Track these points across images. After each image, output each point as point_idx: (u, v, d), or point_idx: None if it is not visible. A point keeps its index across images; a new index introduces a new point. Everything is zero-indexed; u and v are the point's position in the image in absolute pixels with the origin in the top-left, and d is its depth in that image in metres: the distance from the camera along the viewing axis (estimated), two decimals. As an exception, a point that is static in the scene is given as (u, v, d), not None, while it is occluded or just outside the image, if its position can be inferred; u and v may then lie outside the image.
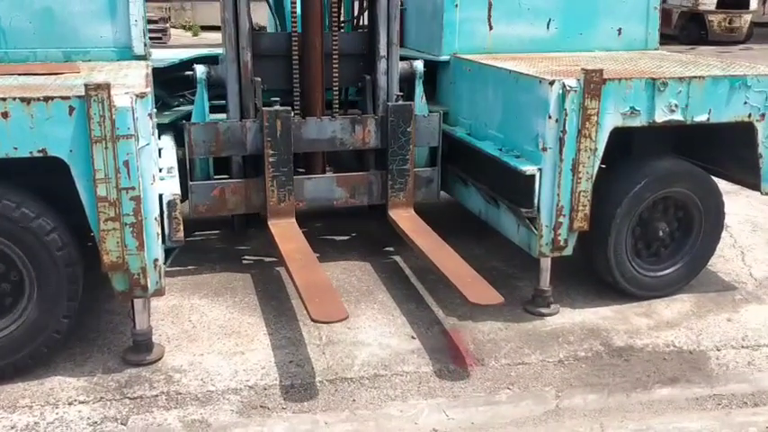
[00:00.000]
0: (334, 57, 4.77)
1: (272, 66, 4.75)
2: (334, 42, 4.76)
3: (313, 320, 3.53)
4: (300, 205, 4.74)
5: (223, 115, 4.72)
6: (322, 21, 4.81)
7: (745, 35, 19.54)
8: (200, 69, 4.63)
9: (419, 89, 5.05)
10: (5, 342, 3.56)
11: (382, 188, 4.87)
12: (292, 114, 4.56)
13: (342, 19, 5.33)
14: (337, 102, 4.86)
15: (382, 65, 4.80)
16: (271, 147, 4.48)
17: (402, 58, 4.97)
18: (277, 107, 4.49)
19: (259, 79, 4.63)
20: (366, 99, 4.94)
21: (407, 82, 5.05)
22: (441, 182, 5.04)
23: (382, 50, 4.78)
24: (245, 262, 5.07)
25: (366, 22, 5.25)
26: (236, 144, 4.52)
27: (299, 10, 4.71)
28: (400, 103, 4.78)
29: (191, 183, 4.50)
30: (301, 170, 4.96)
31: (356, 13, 5.50)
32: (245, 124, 4.52)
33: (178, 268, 4.84)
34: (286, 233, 4.48)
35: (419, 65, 5.05)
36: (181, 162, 4.29)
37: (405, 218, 4.80)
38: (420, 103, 5.03)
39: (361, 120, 4.77)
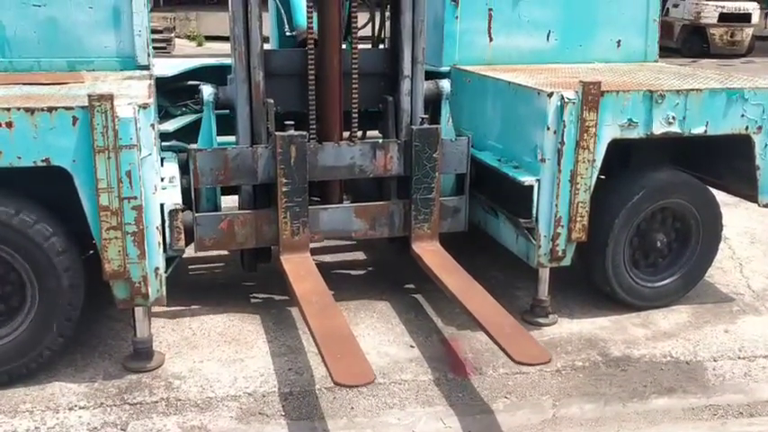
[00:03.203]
0: (354, 76, 4.39)
1: (285, 86, 4.41)
2: (354, 60, 4.37)
3: (335, 383, 3.18)
4: (316, 238, 4.42)
5: (231, 138, 4.42)
6: (340, 37, 4.47)
7: (747, 48, 19.60)
8: (207, 90, 4.30)
9: (445, 110, 4.73)
10: (8, 348, 3.60)
11: (405, 219, 4.50)
12: (308, 139, 4.22)
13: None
14: (356, 124, 4.47)
15: (406, 85, 4.44)
16: (284, 175, 4.13)
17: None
18: (291, 131, 4.14)
19: (272, 101, 4.29)
20: (387, 122, 4.55)
21: (432, 103, 4.72)
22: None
23: (406, 69, 4.42)
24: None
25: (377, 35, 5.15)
26: (246, 172, 4.17)
27: (315, 25, 4.37)
28: (425, 126, 4.41)
29: (196, 214, 4.18)
30: (316, 199, 4.56)
31: (377, 29, 5.21)
32: (256, 150, 4.17)
33: (179, 276, 4.86)
34: (300, 270, 4.14)
35: (446, 84, 4.72)
36: (185, 192, 4.04)
37: (430, 252, 4.43)
38: (446, 126, 4.69)
39: (383, 145, 4.41)
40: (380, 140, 4.49)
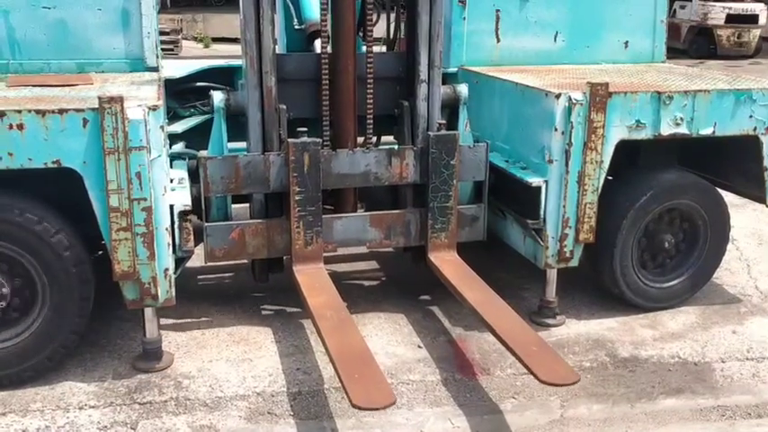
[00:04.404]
0: (369, 81, 4.25)
1: (298, 91, 4.30)
2: (369, 64, 4.23)
3: (354, 406, 3.05)
4: (329, 248, 4.29)
5: (242, 144, 4.31)
6: (355, 40, 4.32)
7: (754, 49, 19.53)
8: (217, 97, 4.19)
9: (463, 116, 4.59)
10: (19, 348, 3.63)
11: (421, 228, 4.35)
12: (321, 146, 4.10)
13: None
14: (371, 130, 4.33)
15: (422, 90, 4.31)
16: (297, 183, 4.01)
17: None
18: (304, 138, 4.01)
19: (284, 107, 4.18)
20: (403, 128, 4.42)
21: (449, 108, 4.61)
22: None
23: (423, 74, 4.29)
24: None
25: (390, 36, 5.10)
26: (258, 180, 4.04)
27: (329, 27, 4.25)
28: (443, 132, 4.26)
29: (206, 224, 4.07)
30: (329, 208, 4.42)
31: (392, 31, 5.09)
32: (268, 158, 4.03)
33: (188, 284, 4.88)
34: (314, 282, 4.03)
35: (463, 89, 4.59)
36: (195, 201, 3.93)
37: (448, 262, 4.29)
38: (464, 131, 4.56)
39: (399, 152, 4.26)
40: (396, 147, 4.37)
